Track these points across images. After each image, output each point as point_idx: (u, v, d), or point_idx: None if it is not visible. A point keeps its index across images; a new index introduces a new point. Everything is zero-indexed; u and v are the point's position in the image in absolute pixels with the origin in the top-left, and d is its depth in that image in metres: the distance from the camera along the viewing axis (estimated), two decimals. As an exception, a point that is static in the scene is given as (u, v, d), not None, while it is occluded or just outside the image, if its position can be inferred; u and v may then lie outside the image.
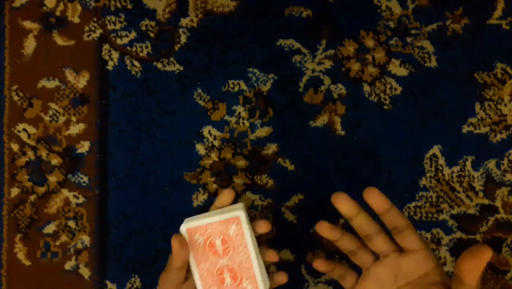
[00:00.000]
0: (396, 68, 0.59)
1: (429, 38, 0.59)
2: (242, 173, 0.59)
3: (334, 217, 0.58)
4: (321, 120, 0.59)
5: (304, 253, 0.58)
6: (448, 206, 0.58)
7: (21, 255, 0.58)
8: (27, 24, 0.59)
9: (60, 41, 0.59)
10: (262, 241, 0.44)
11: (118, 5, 0.59)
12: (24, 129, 0.59)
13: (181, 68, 0.59)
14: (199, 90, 0.59)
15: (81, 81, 0.59)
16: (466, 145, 0.58)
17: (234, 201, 0.42)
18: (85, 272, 0.58)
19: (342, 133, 0.59)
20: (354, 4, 0.59)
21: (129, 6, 0.59)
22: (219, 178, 0.59)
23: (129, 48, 0.59)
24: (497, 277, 0.57)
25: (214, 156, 0.59)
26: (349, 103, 0.59)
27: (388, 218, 0.35)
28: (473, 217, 0.58)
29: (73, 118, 0.59)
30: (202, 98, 0.59)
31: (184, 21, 0.59)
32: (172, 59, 0.59)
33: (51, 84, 0.59)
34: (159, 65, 0.59)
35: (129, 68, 0.59)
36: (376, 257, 0.38)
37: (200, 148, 0.59)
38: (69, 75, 0.59)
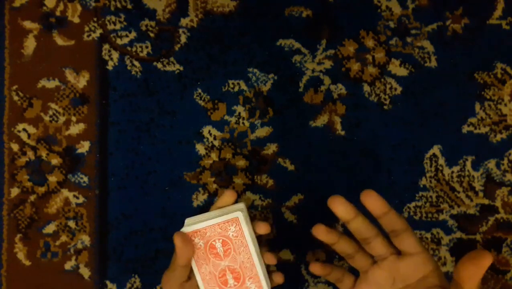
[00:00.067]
0: (396, 68, 0.59)
1: (429, 38, 0.59)
2: (242, 173, 0.59)
3: (334, 217, 0.58)
4: (321, 120, 0.59)
5: (304, 253, 0.58)
6: (448, 206, 0.58)
7: (21, 255, 0.58)
8: (27, 24, 0.59)
9: (60, 41, 0.59)
10: (262, 242, 0.44)
11: (118, 5, 0.59)
12: (24, 129, 0.59)
13: (181, 68, 0.59)
14: (199, 90, 0.59)
15: (81, 81, 0.59)
16: (466, 145, 0.58)
17: (235, 202, 0.42)
18: (85, 272, 0.58)
19: (342, 133, 0.59)
20: (354, 4, 0.59)
21: (129, 6, 0.59)
22: (219, 178, 0.59)
23: (129, 48, 0.59)
24: (497, 277, 0.57)
25: (214, 156, 0.59)
26: (349, 103, 0.59)
27: (386, 221, 0.34)
28: (473, 217, 0.58)
29: (73, 118, 0.59)
30: (202, 98, 0.59)
31: (184, 21, 0.59)
32: (172, 59, 0.59)
33: (51, 84, 0.59)
34: (159, 65, 0.59)
35: (129, 68, 0.59)
36: (374, 260, 0.37)
37: (200, 148, 0.59)
38: (69, 75, 0.59)
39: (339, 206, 0.34)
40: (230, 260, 0.40)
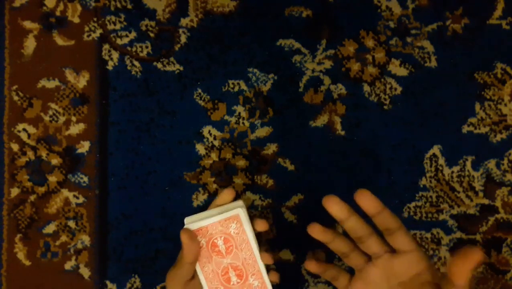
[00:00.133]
0: (396, 68, 0.59)
1: (429, 38, 0.59)
2: (242, 173, 0.59)
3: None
4: (321, 120, 0.59)
5: (304, 253, 0.58)
6: (448, 206, 0.58)
7: (21, 255, 0.58)
8: (27, 24, 0.59)
9: (60, 41, 0.59)
10: (262, 241, 0.44)
11: (118, 5, 0.59)
12: (24, 129, 0.59)
13: (181, 68, 0.59)
14: (199, 90, 0.59)
15: (81, 81, 0.59)
16: (466, 145, 0.58)
17: (234, 200, 0.42)
18: (85, 272, 0.58)
19: (342, 133, 0.59)
20: (354, 4, 0.59)
21: (129, 6, 0.60)
22: (219, 178, 0.59)
23: (129, 48, 0.59)
24: (497, 277, 0.57)
25: (214, 156, 0.59)
26: (349, 103, 0.59)
27: (380, 220, 0.35)
28: (473, 217, 0.58)
29: (73, 118, 0.59)
30: (202, 98, 0.59)
31: (184, 21, 0.59)
32: (172, 59, 0.59)
33: (51, 84, 0.59)
34: (159, 65, 0.59)
35: (129, 68, 0.59)
36: (369, 258, 0.38)
37: (200, 148, 0.59)
38: (69, 75, 0.59)
39: (334, 206, 0.35)
40: (233, 257, 0.40)
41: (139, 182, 0.59)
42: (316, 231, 0.37)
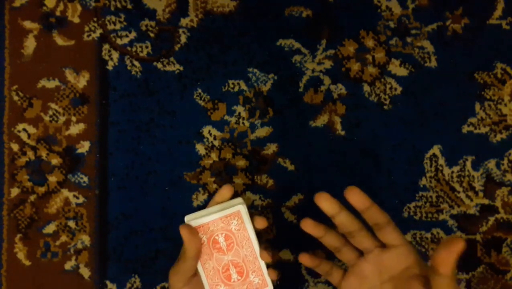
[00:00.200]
0: (396, 68, 0.59)
1: (429, 38, 0.59)
2: (242, 173, 0.59)
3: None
4: (321, 120, 0.59)
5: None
6: (448, 206, 0.58)
7: (21, 255, 0.58)
8: (27, 24, 0.59)
9: (60, 41, 0.59)
10: (262, 240, 0.44)
11: (118, 5, 0.59)
12: (24, 129, 0.59)
13: (181, 68, 0.59)
14: (199, 90, 0.59)
15: (81, 81, 0.59)
16: (466, 145, 0.58)
17: (232, 197, 0.42)
18: (85, 272, 0.58)
19: (342, 133, 0.59)
20: (354, 4, 0.59)
21: (129, 6, 0.60)
22: (219, 178, 0.59)
23: (129, 48, 0.59)
24: (497, 277, 0.57)
25: (214, 156, 0.59)
26: (349, 103, 0.59)
27: (369, 215, 0.36)
28: (473, 217, 0.58)
29: (73, 118, 0.59)
30: (202, 98, 0.59)
31: (184, 21, 0.59)
32: (172, 59, 0.59)
33: (51, 84, 0.59)
34: (159, 65, 0.59)
35: (129, 68, 0.59)
36: (360, 254, 0.39)
37: (200, 148, 0.59)
38: (69, 75, 0.59)
39: (324, 202, 0.36)
40: (233, 254, 0.41)
41: (139, 182, 0.59)
42: (308, 225, 0.38)
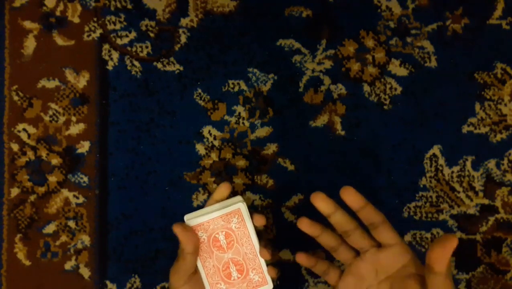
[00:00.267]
0: (396, 68, 0.59)
1: (429, 38, 0.59)
2: (242, 173, 0.59)
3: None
4: (321, 120, 0.59)
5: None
6: (448, 206, 0.58)
7: (21, 255, 0.58)
8: (27, 24, 0.59)
9: (60, 41, 0.59)
10: (262, 238, 0.44)
11: (118, 5, 0.59)
12: (24, 129, 0.59)
13: (181, 68, 0.59)
14: (199, 90, 0.59)
15: (81, 81, 0.59)
16: (466, 145, 0.58)
17: (230, 195, 0.43)
18: (85, 272, 0.58)
19: (342, 133, 0.59)
20: (354, 4, 0.59)
21: (129, 6, 0.60)
22: (219, 178, 0.59)
23: (129, 48, 0.59)
24: (497, 277, 0.57)
25: (214, 156, 0.59)
26: (349, 103, 0.59)
27: (364, 215, 0.37)
28: (473, 217, 0.58)
29: (73, 118, 0.59)
30: (202, 98, 0.59)
31: (184, 21, 0.59)
32: (172, 59, 0.59)
33: (51, 84, 0.59)
34: (159, 65, 0.59)
35: (129, 68, 0.59)
36: (357, 253, 0.39)
37: (200, 148, 0.59)
38: (69, 75, 0.59)
39: (320, 202, 0.37)
40: (234, 252, 0.41)
41: (139, 182, 0.59)
42: (304, 224, 0.39)
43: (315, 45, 0.59)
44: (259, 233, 0.43)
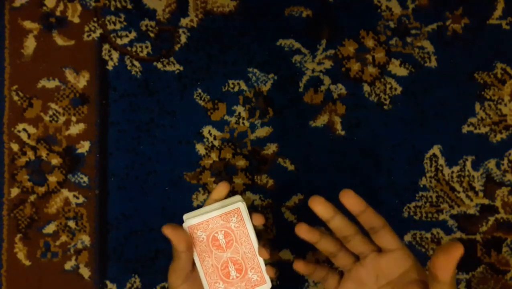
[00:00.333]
0: (396, 68, 0.59)
1: (429, 38, 0.59)
2: (242, 173, 0.59)
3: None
4: (321, 120, 0.59)
5: (304, 253, 0.58)
6: (448, 206, 0.58)
7: (21, 255, 0.58)
8: (27, 24, 0.59)
9: (60, 41, 0.59)
10: (261, 237, 0.44)
11: (118, 5, 0.59)
12: (24, 129, 0.59)
13: (181, 68, 0.59)
14: (199, 90, 0.59)
15: (81, 81, 0.59)
16: (466, 145, 0.58)
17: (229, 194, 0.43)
18: (85, 272, 0.58)
19: (342, 133, 0.59)
20: (354, 4, 0.59)
21: (129, 6, 0.60)
22: (219, 178, 0.59)
23: (129, 48, 0.59)
24: (497, 277, 0.57)
25: (214, 156, 0.59)
26: (349, 103, 0.59)
27: (364, 219, 0.36)
28: (473, 217, 0.58)
29: (73, 118, 0.59)
30: (202, 98, 0.59)
31: (184, 21, 0.59)
32: (172, 59, 0.59)
33: (51, 84, 0.59)
34: (159, 65, 0.59)
35: (129, 68, 0.59)
36: (357, 258, 0.38)
37: (200, 148, 0.59)
38: (69, 75, 0.59)
39: (318, 206, 0.36)
40: (233, 251, 0.41)
41: (139, 182, 0.59)
42: (302, 230, 0.37)
43: (315, 45, 0.59)
44: (259, 232, 0.43)
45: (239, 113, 0.59)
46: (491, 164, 0.58)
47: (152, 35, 0.59)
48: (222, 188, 0.42)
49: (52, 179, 0.59)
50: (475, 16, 0.59)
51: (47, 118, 0.59)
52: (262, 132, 0.59)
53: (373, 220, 0.36)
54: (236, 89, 0.59)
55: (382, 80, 0.59)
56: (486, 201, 0.58)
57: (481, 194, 0.58)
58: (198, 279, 0.42)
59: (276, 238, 0.58)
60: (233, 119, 0.59)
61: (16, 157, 0.59)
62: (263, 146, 0.59)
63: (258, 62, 0.59)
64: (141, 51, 0.59)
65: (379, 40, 0.59)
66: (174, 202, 0.58)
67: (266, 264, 0.42)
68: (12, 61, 0.59)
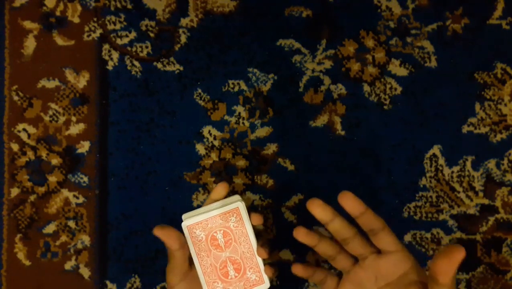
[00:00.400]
0: (396, 68, 0.59)
1: (429, 38, 0.59)
2: (242, 173, 0.59)
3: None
4: (321, 120, 0.59)
5: (304, 253, 0.58)
6: (448, 206, 0.58)
7: (21, 255, 0.58)
8: (27, 24, 0.59)
9: (60, 41, 0.59)
10: (261, 237, 0.44)
11: (118, 5, 0.59)
12: (24, 129, 0.59)
13: (181, 68, 0.59)
14: (199, 90, 0.59)
15: (81, 81, 0.59)
16: (466, 145, 0.58)
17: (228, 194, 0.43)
18: (85, 272, 0.58)
19: (342, 133, 0.59)
20: (354, 4, 0.59)
21: (129, 6, 0.60)
22: (219, 178, 0.59)
23: (129, 48, 0.59)
24: (497, 277, 0.57)
25: (214, 156, 0.59)
26: (349, 103, 0.59)
27: (363, 221, 0.35)
28: (473, 217, 0.58)
29: (73, 118, 0.59)
30: (202, 98, 0.59)
31: (184, 21, 0.59)
32: (172, 59, 0.59)
33: (51, 84, 0.59)
34: (159, 65, 0.59)
35: (129, 68, 0.59)
36: (355, 260, 0.38)
37: (200, 148, 0.59)
38: (69, 75, 0.59)
39: (317, 209, 0.36)
40: (231, 250, 0.41)
41: (139, 182, 0.59)
42: (301, 234, 0.37)
43: (315, 45, 0.59)
44: (258, 232, 0.43)
45: (239, 113, 0.59)
46: (491, 164, 0.58)
47: (152, 35, 0.59)
48: (221, 188, 0.41)
49: (52, 179, 0.59)
50: (475, 16, 0.59)
51: (47, 118, 0.59)
52: (262, 132, 0.59)
53: (372, 222, 0.35)
54: (236, 89, 0.59)
55: (382, 80, 0.59)
56: (486, 201, 0.58)
57: (481, 194, 0.58)
58: (196, 277, 0.42)
59: (276, 238, 0.59)
60: (233, 119, 0.59)
61: (16, 157, 0.59)
62: (263, 146, 0.59)
63: (258, 62, 0.59)
64: (141, 51, 0.59)
65: (379, 40, 0.59)
66: (174, 202, 0.58)
67: (264, 264, 0.42)
68: (12, 61, 0.59)
